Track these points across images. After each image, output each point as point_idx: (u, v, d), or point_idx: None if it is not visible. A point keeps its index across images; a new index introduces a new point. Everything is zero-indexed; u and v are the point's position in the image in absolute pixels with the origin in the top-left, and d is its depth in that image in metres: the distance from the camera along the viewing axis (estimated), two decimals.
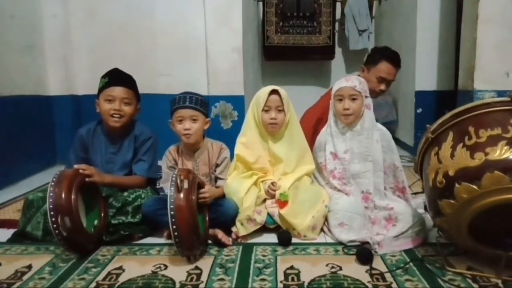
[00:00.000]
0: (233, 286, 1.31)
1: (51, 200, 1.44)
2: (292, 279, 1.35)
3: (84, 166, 1.64)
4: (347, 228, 1.64)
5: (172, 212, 1.39)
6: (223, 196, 1.77)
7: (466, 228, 1.31)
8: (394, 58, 2.37)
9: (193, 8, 3.22)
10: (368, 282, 1.32)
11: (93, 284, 1.35)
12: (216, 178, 1.87)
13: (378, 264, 1.45)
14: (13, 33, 2.88)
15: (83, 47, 3.29)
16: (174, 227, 1.39)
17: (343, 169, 1.81)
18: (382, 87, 2.38)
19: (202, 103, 1.82)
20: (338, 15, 4.73)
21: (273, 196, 1.76)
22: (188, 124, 1.77)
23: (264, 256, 1.53)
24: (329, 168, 1.85)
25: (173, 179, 1.45)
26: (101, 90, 1.84)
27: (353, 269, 1.41)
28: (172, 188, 1.43)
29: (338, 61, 4.95)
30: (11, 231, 1.79)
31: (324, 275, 1.37)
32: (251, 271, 1.41)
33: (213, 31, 3.25)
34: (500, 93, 2.57)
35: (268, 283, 1.33)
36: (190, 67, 3.26)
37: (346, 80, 1.81)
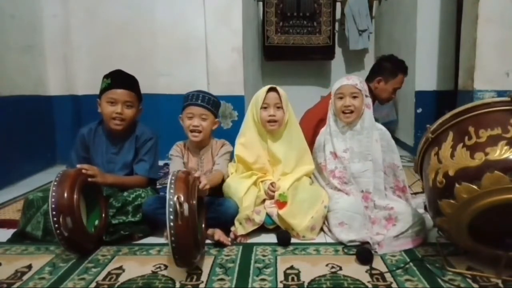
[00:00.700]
0: (233, 286, 1.31)
1: (53, 199, 1.44)
2: (292, 279, 1.35)
3: (87, 166, 1.64)
4: (347, 228, 1.64)
5: (172, 238, 1.28)
6: (220, 182, 1.77)
7: (466, 228, 1.31)
8: (406, 69, 2.58)
9: (193, 8, 3.22)
10: (368, 282, 1.32)
11: (93, 284, 1.35)
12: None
13: (378, 264, 1.45)
14: (13, 33, 2.88)
15: (83, 47, 3.30)
16: (175, 249, 1.30)
17: (343, 168, 1.81)
18: (394, 95, 2.62)
19: (213, 104, 1.85)
20: (338, 15, 4.73)
21: (272, 197, 1.76)
22: (197, 122, 1.79)
23: (264, 256, 1.53)
24: (330, 168, 1.85)
25: (171, 203, 1.28)
26: (103, 91, 1.83)
27: (353, 269, 1.41)
28: (171, 217, 1.27)
29: (338, 61, 4.95)
30: (11, 231, 1.79)
31: (324, 275, 1.37)
32: (251, 271, 1.41)
33: (213, 31, 3.25)
34: (500, 93, 2.57)
35: (268, 283, 1.33)
36: (190, 67, 3.26)
37: (347, 79, 1.82)
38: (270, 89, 1.83)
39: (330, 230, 1.71)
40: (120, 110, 1.80)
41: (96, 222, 1.65)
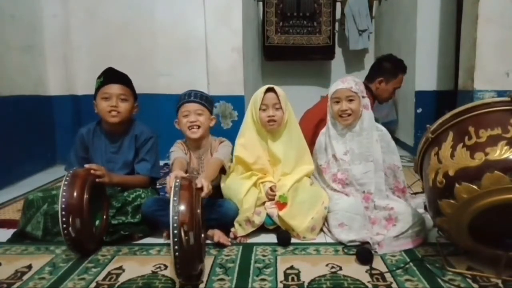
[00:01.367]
0: (233, 286, 1.31)
1: (63, 200, 1.45)
2: (292, 279, 1.35)
3: (96, 166, 1.64)
4: (347, 229, 1.64)
5: (177, 260, 1.22)
6: (219, 171, 1.76)
7: (466, 228, 1.31)
8: (406, 68, 2.59)
9: (193, 8, 3.22)
10: (368, 282, 1.32)
11: (93, 284, 1.35)
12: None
13: (378, 264, 1.45)
14: (13, 33, 2.88)
15: (83, 47, 3.30)
16: (179, 266, 1.24)
17: (344, 170, 1.81)
18: (394, 94, 2.64)
19: (207, 100, 1.85)
20: (338, 15, 4.73)
21: (272, 200, 1.76)
22: (194, 117, 1.79)
23: (264, 256, 1.53)
24: (331, 171, 1.84)
25: (175, 232, 1.19)
26: (97, 90, 1.84)
27: (353, 269, 1.41)
28: (176, 247, 1.19)
29: (338, 61, 4.95)
30: (11, 231, 1.79)
31: (324, 275, 1.37)
32: (251, 271, 1.41)
33: (213, 31, 3.25)
34: (500, 93, 2.57)
35: (268, 283, 1.33)
36: (190, 67, 3.26)
37: (342, 82, 1.80)
38: (268, 90, 1.83)
39: (330, 231, 1.71)
40: (114, 103, 1.80)
41: (97, 222, 1.65)
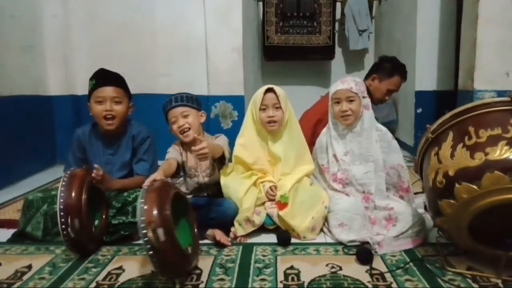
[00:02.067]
0: (233, 286, 1.31)
1: (61, 200, 1.45)
2: (292, 279, 1.35)
3: (98, 170, 1.63)
4: (347, 229, 1.64)
5: (156, 265, 1.23)
6: (221, 155, 1.74)
7: (466, 228, 1.31)
8: (405, 73, 2.55)
9: (193, 8, 3.22)
10: (368, 282, 1.32)
11: (93, 284, 1.35)
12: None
13: (378, 264, 1.45)
14: (13, 33, 2.88)
15: (83, 47, 3.30)
16: (159, 270, 1.27)
17: (344, 170, 1.81)
18: (388, 97, 2.57)
19: (188, 99, 1.83)
20: (338, 15, 4.73)
21: (272, 200, 1.76)
22: (181, 121, 1.78)
23: (264, 256, 1.53)
24: (332, 171, 1.84)
25: (143, 232, 1.18)
26: (90, 92, 1.84)
27: (353, 269, 1.41)
28: (148, 246, 1.19)
29: (338, 61, 4.95)
30: (11, 231, 1.79)
31: (324, 275, 1.37)
32: (251, 271, 1.41)
33: (213, 31, 3.25)
34: (500, 93, 2.57)
35: (268, 283, 1.33)
36: (190, 67, 3.26)
37: (342, 82, 1.80)
38: (268, 90, 1.82)
39: (330, 231, 1.71)
40: (109, 107, 1.80)
41: (96, 222, 1.65)
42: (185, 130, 1.78)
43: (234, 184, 1.77)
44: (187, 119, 1.79)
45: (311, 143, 1.98)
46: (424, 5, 3.45)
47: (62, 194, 1.46)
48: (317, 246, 1.63)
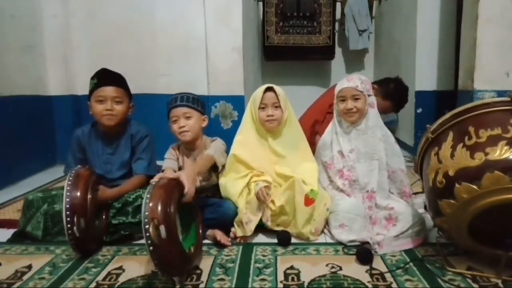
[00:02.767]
0: (233, 286, 1.32)
1: (68, 199, 1.45)
2: (292, 279, 1.35)
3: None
4: (348, 230, 1.64)
5: (155, 261, 1.23)
6: (210, 166, 1.73)
7: (466, 228, 1.31)
8: (399, 107, 2.59)
9: (193, 8, 3.22)
10: (368, 282, 1.32)
11: (93, 284, 1.35)
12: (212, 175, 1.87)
13: (378, 264, 1.45)
14: (13, 33, 2.88)
15: (83, 47, 3.30)
16: (160, 270, 1.28)
17: (350, 167, 1.81)
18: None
19: (194, 101, 1.81)
20: (338, 15, 4.73)
21: (262, 201, 1.69)
22: (183, 122, 1.77)
23: (264, 256, 1.53)
24: (337, 167, 1.83)
25: (146, 227, 1.19)
26: (91, 92, 1.84)
27: (353, 269, 1.41)
28: (149, 241, 1.19)
29: (338, 61, 4.95)
30: (11, 231, 1.79)
31: (324, 275, 1.37)
32: (251, 271, 1.41)
33: (213, 31, 3.25)
34: (500, 93, 2.57)
35: (268, 283, 1.33)
36: (190, 67, 3.26)
37: (347, 81, 1.81)
38: (268, 89, 1.82)
39: (330, 231, 1.71)
40: (109, 106, 1.80)
41: (97, 222, 1.65)
42: (184, 131, 1.77)
43: (230, 186, 1.76)
44: (188, 121, 1.77)
45: (311, 143, 1.98)
46: (424, 5, 3.45)
47: (68, 194, 1.47)
48: (317, 246, 1.63)
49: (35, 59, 3.13)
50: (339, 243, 1.64)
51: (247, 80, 3.43)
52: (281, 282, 1.33)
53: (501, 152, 1.20)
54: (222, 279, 1.36)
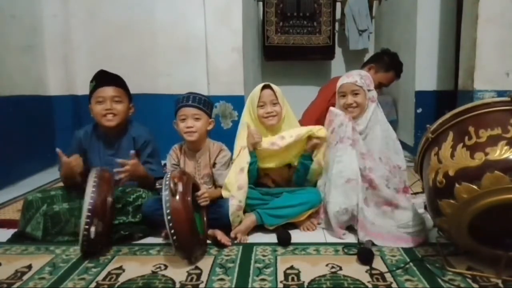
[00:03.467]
0: (233, 286, 1.31)
1: (91, 201, 1.46)
2: (292, 279, 1.35)
3: (124, 166, 1.69)
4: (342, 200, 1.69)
5: (168, 217, 1.37)
6: (221, 196, 1.77)
7: (466, 228, 1.31)
8: (401, 72, 2.62)
9: (193, 8, 3.22)
10: (368, 282, 1.32)
11: (93, 284, 1.35)
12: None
13: (378, 264, 1.45)
14: (13, 33, 2.88)
15: (83, 47, 3.30)
16: (173, 231, 1.37)
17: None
18: (378, 90, 2.59)
19: (205, 103, 1.83)
20: (338, 15, 4.73)
21: (256, 141, 1.79)
22: (191, 122, 1.78)
23: (264, 256, 1.53)
24: (341, 135, 1.81)
25: (167, 182, 1.42)
26: (91, 94, 1.85)
27: (353, 269, 1.41)
28: (167, 192, 1.40)
29: (338, 61, 4.95)
30: (11, 231, 1.79)
31: (324, 275, 1.37)
32: (251, 271, 1.41)
33: (213, 31, 3.25)
34: (500, 93, 2.57)
35: (268, 283, 1.33)
36: (190, 67, 3.26)
37: (347, 77, 1.84)
38: (264, 87, 1.84)
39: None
40: (109, 106, 1.81)
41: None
42: (191, 132, 1.78)
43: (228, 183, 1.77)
44: (196, 122, 1.79)
45: None
46: (424, 5, 3.45)
47: (92, 195, 1.47)
48: (317, 246, 1.63)
49: (35, 59, 3.13)
50: (339, 243, 1.65)
51: (247, 80, 3.44)
52: (281, 282, 1.33)
53: (501, 152, 1.20)
54: (222, 279, 1.36)
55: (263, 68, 4.81)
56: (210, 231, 1.68)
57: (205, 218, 1.67)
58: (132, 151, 1.74)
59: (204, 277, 1.37)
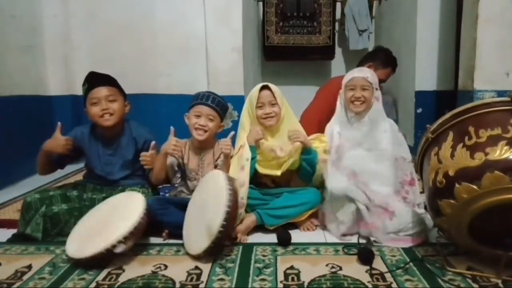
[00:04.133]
0: (233, 286, 1.31)
1: (136, 225, 1.48)
2: (292, 279, 1.35)
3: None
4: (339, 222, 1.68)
5: (227, 210, 1.45)
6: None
7: (466, 228, 1.31)
8: (396, 66, 2.68)
9: (193, 8, 3.22)
10: (368, 282, 1.32)
11: (93, 284, 1.35)
12: None
13: (378, 264, 1.45)
14: (13, 33, 2.88)
15: (83, 47, 3.30)
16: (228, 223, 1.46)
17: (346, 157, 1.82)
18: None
19: (222, 106, 1.87)
20: (338, 15, 4.73)
21: (259, 138, 1.79)
22: (204, 121, 1.81)
23: (264, 256, 1.53)
24: (336, 143, 1.84)
25: (230, 192, 1.49)
26: (85, 97, 1.85)
27: (353, 269, 1.41)
28: (230, 197, 1.47)
29: (338, 61, 4.94)
30: (11, 231, 1.79)
31: (324, 275, 1.37)
32: (251, 271, 1.41)
33: (213, 31, 3.25)
34: (500, 93, 2.57)
35: (268, 283, 1.33)
36: (190, 67, 3.26)
37: (358, 71, 1.87)
38: (263, 88, 1.84)
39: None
40: (104, 106, 1.81)
41: None
42: (202, 130, 1.81)
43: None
44: (209, 123, 1.82)
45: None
46: (424, 5, 3.45)
47: (141, 219, 1.51)
48: (317, 246, 1.63)
49: (35, 59, 3.13)
50: (339, 243, 1.65)
51: (247, 80, 3.44)
52: (281, 282, 1.33)
53: (501, 152, 1.20)
54: (222, 279, 1.36)
55: (263, 68, 4.81)
56: None
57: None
58: (154, 142, 1.80)
59: (204, 277, 1.37)
